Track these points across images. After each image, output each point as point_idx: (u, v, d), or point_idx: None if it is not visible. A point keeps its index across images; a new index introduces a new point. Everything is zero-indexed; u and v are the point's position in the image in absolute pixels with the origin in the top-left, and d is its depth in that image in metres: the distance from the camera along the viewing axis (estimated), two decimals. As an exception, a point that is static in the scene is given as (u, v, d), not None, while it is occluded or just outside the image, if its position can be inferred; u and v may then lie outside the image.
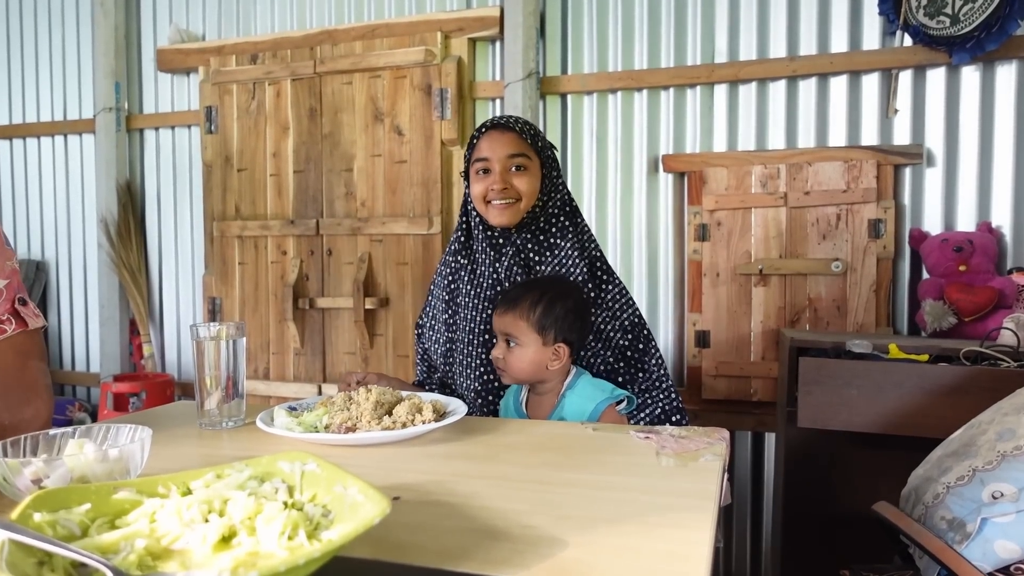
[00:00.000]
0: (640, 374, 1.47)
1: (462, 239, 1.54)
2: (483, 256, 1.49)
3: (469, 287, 1.49)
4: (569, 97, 2.66)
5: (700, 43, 2.51)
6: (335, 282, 2.87)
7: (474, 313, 1.47)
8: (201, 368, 1.14)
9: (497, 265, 1.47)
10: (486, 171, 1.44)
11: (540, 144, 1.48)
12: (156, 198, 3.28)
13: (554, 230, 1.48)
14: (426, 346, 1.62)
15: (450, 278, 1.54)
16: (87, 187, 3.40)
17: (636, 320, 1.50)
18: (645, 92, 2.57)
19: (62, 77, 3.43)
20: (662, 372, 1.48)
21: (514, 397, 1.36)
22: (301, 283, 2.90)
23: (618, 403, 1.29)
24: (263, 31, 3.06)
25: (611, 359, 1.46)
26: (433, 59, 2.68)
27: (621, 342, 1.47)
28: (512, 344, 1.26)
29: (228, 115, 2.99)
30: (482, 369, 1.44)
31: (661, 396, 1.44)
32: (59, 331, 3.51)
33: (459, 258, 1.53)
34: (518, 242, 1.47)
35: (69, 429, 0.81)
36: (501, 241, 1.48)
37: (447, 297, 1.54)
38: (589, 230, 1.56)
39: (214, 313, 3.04)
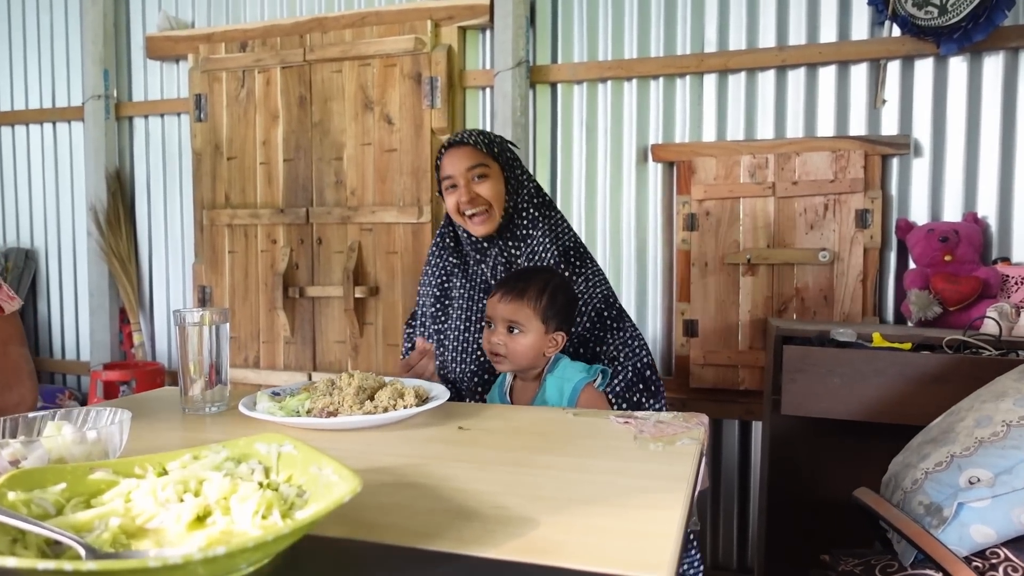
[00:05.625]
0: (611, 335, 1.53)
1: (451, 244, 1.65)
2: (471, 258, 1.61)
3: (463, 280, 1.60)
4: (559, 86, 2.66)
5: (690, 33, 2.51)
6: (325, 271, 2.87)
7: (470, 303, 1.56)
8: (185, 354, 1.15)
9: (483, 266, 1.58)
10: (453, 186, 1.53)
11: (496, 150, 1.56)
12: (146, 186, 3.27)
13: (526, 222, 1.57)
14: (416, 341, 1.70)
15: (443, 277, 1.64)
16: (76, 175, 3.38)
17: (609, 293, 1.58)
18: (635, 81, 2.57)
19: (50, 64, 3.41)
20: (634, 332, 1.55)
21: (499, 388, 1.41)
22: (291, 272, 2.90)
23: (594, 381, 1.34)
24: (253, 19, 3.05)
25: (587, 322, 1.52)
26: (423, 47, 2.67)
27: (599, 306, 1.55)
28: (515, 331, 1.31)
29: (218, 103, 2.98)
30: (478, 353, 1.52)
31: (632, 355, 1.48)
32: (49, 319, 3.50)
33: (451, 258, 1.64)
34: (499, 243, 1.56)
35: (49, 412, 0.81)
36: (486, 246, 1.58)
37: (438, 293, 1.63)
38: (564, 221, 1.64)
39: (204, 301, 3.04)
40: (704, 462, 0.96)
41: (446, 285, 1.63)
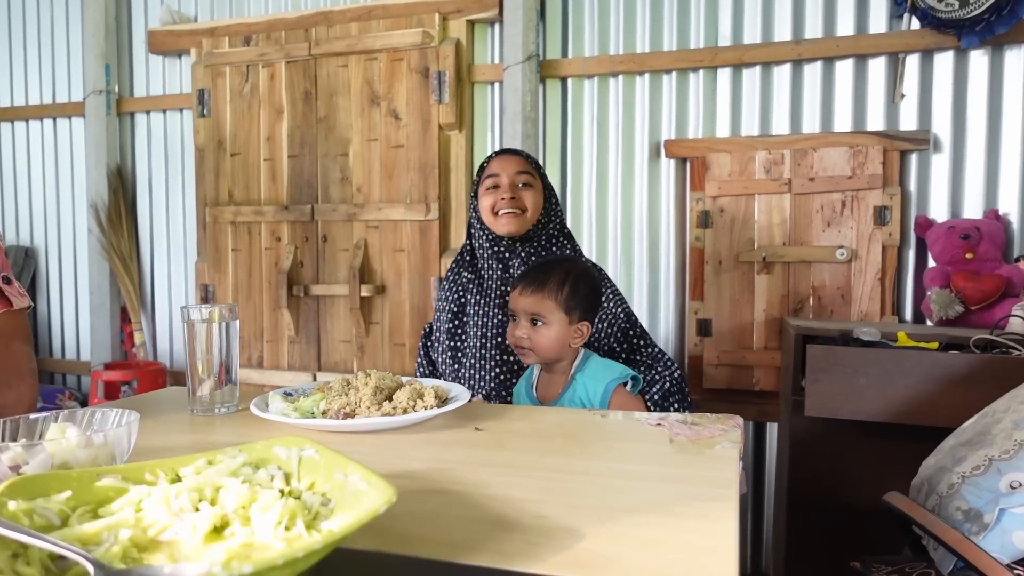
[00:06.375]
0: (640, 352, 1.57)
1: (467, 258, 1.68)
2: (489, 271, 1.61)
3: (478, 297, 1.60)
4: (569, 81, 2.61)
5: (703, 26, 2.46)
6: (330, 269, 2.82)
7: (485, 320, 1.57)
8: (192, 353, 1.10)
9: (505, 276, 1.59)
10: (496, 186, 1.57)
11: (542, 172, 1.66)
12: (148, 183, 3.22)
13: (554, 243, 1.65)
14: (432, 357, 1.72)
15: (459, 292, 1.65)
16: (77, 172, 3.33)
17: (630, 311, 1.62)
18: (647, 76, 2.52)
19: (51, 59, 3.36)
20: (660, 350, 1.58)
21: (526, 381, 1.39)
22: (296, 270, 2.85)
23: (625, 384, 1.31)
24: (257, 12, 2.99)
25: (612, 341, 1.54)
26: (431, 41, 2.62)
27: (624, 325, 1.57)
28: (539, 324, 1.29)
29: (221, 98, 2.93)
30: (498, 370, 1.52)
31: (666, 373, 1.49)
32: (49, 318, 3.45)
33: (465, 273, 1.66)
34: (522, 254, 1.59)
35: (51, 413, 0.76)
36: (508, 255, 1.60)
37: (455, 309, 1.64)
38: (582, 253, 1.74)
39: (207, 300, 2.99)
40: (742, 466, 0.91)
41: (462, 300, 1.64)
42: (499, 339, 1.53)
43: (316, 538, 0.51)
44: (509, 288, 1.56)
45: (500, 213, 1.55)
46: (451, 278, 1.69)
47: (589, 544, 0.58)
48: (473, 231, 1.66)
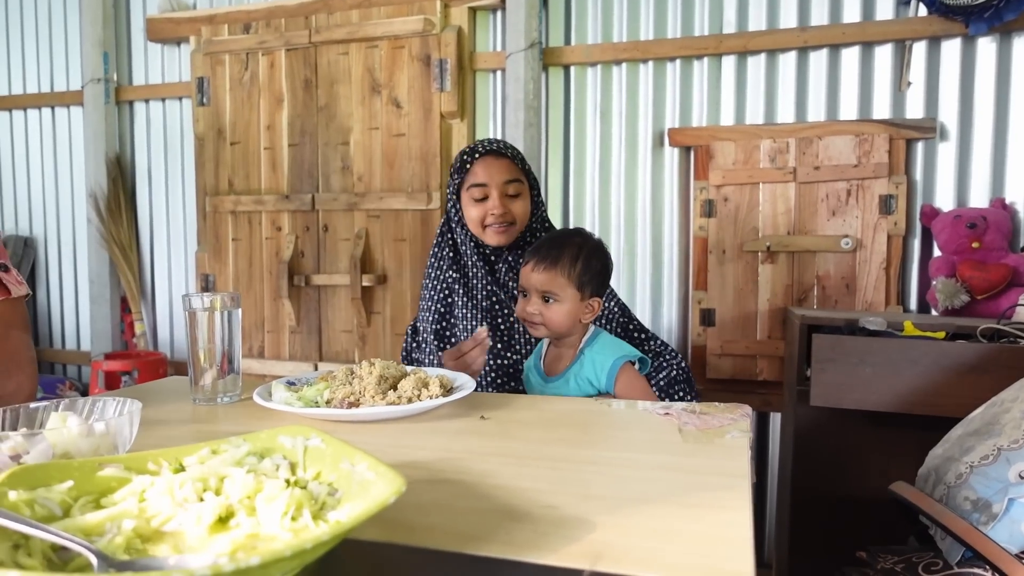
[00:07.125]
0: (644, 345, 1.54)
1: (450, 255, 1.59)
2: (474, 270, 1.56)
3: (465, 299, 1.55)
4: (572, 68, 2.59)
5: (708, 13, 2.43)
6: (331, 259, 2.80)
7: (474, 323, 1.53)
8: (195, 342, 1.08)
9: (491, 278, 1.55)
10: (485, 197, 1.50)
11: (527, 168, 1.57)
12: (147, 172, 3.20)
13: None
14: (415, 357, 1.66)
15: (445, 292, 1.59)
16: (76, 161, 3.31)
17: (625, 305, 1.58)
18: (651, 64, 2.50)
19: (49, 47, 3.33)
20: (663, 342, 1.56)
21: (536, 355, 1.39)
22: (296, 260, 2.83)
23: (633, 363, 1.29)
24: (256, -1, 2.97)
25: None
26: (432, 28, 2.60)
27: (622, 319, 1.55)
28: (551, 300, 1.27)
29: (220, 86, 2.90)
30: (493, 375, 1.48)
31: (673, 362, 1.48)
32: (48, 308, 3.44)
33: (451, 273, 1.58)
34: (509, 259, 1.55)
35: (52, 402, 0.75)
36: (493, 258, 1.56)
37: (442, 310, 1.59)
38: None
39: (207, 289, 2.97)
40: (751, 456, 0.90)
41: (448, 301, 1.59)
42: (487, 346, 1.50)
43: (325, 529, 0.50)
44: (494, 292, 1.54)
45: (490, 226, 1.50)
46: (434, 275, 1.62)
47: (600, 535, 0.57)
48: (454, 226, 1.58)
